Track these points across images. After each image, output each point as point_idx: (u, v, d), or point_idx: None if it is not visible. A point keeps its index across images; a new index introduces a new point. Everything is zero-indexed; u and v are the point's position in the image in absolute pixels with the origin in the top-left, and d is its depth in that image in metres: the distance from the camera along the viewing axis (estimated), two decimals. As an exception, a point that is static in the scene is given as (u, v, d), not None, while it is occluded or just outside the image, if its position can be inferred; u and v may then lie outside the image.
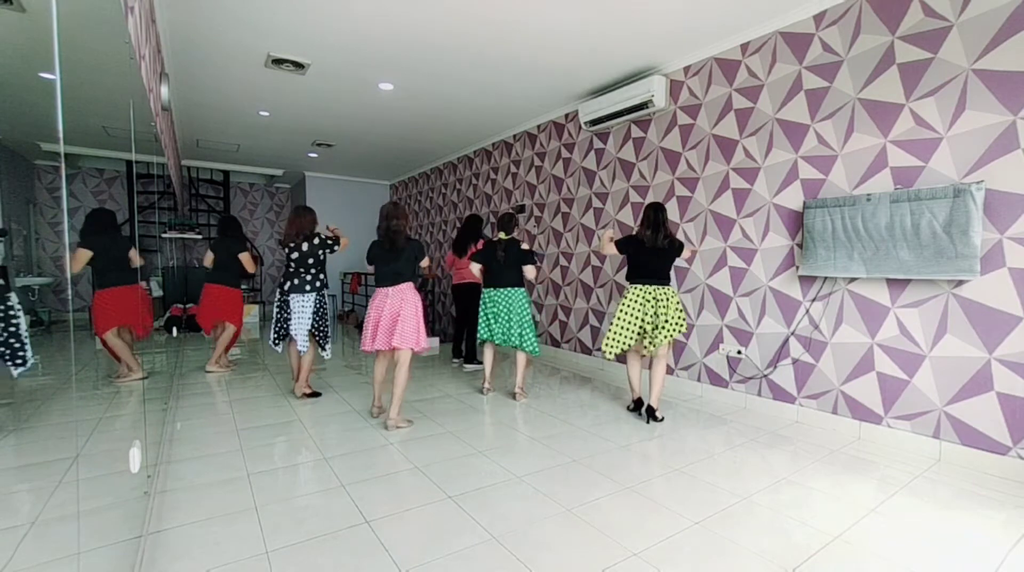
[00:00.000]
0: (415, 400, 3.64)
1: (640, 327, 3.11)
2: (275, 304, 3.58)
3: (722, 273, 3.68)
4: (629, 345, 3.14)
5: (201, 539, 1.79)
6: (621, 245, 3.27)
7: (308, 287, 3.47)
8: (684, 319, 3.13)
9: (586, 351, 4.91)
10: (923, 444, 2.67)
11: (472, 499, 2.11)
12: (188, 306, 6.95)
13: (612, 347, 3.14)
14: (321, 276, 3.55)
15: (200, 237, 8.20)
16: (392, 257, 3.09)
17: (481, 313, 3.78)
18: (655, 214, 3.15)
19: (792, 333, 3.26)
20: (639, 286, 3.16)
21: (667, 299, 3.10)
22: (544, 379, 4.38)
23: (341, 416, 3.25)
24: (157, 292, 6.14)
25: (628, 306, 3.15)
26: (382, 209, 3.18)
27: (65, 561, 1.63)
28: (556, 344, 5.27)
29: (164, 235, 6.59)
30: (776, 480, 2.34)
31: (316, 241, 3.49)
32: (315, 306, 3.51)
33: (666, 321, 3.05)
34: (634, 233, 3.28)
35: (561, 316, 5.22)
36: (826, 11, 3.02)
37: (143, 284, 4.37)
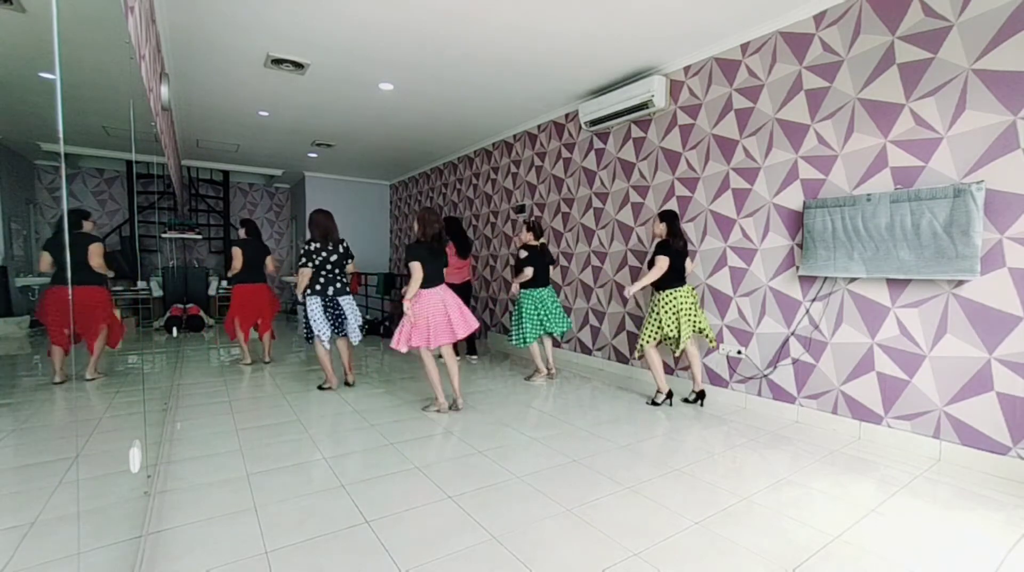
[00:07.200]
0: (416, 400, 3.64)
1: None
2: (315, 306, 3.71)
3: (722, 273, 3.68)
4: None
5: (201, 539, 1.79)
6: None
7: (348, 289, 3.86)
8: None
9: (586, 351, 4.91)
10: (923, 444, 2.68)
11: (472, 499, 2.11)
12: (188, 306, 6.96)
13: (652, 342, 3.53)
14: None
15: (200, 237, 8.20)
16: None
17: (534, 313, 4.15)
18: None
19: (792, 333, 3.26)
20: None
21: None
22: (543, 379, 4.37)
23: (341, 416, 3.25)
24: (157, 292, 6.14)
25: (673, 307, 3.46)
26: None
27: (65, 561, 1.63)
28: (556, 344, 5.27)
29: (164, 235, 6.60)
30: (776, 480, 2.34)
31: (342, 249, 3.82)
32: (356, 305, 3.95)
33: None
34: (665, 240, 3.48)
35: (561, 316, 5.21)
36: (826, 11, 3.02)
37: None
